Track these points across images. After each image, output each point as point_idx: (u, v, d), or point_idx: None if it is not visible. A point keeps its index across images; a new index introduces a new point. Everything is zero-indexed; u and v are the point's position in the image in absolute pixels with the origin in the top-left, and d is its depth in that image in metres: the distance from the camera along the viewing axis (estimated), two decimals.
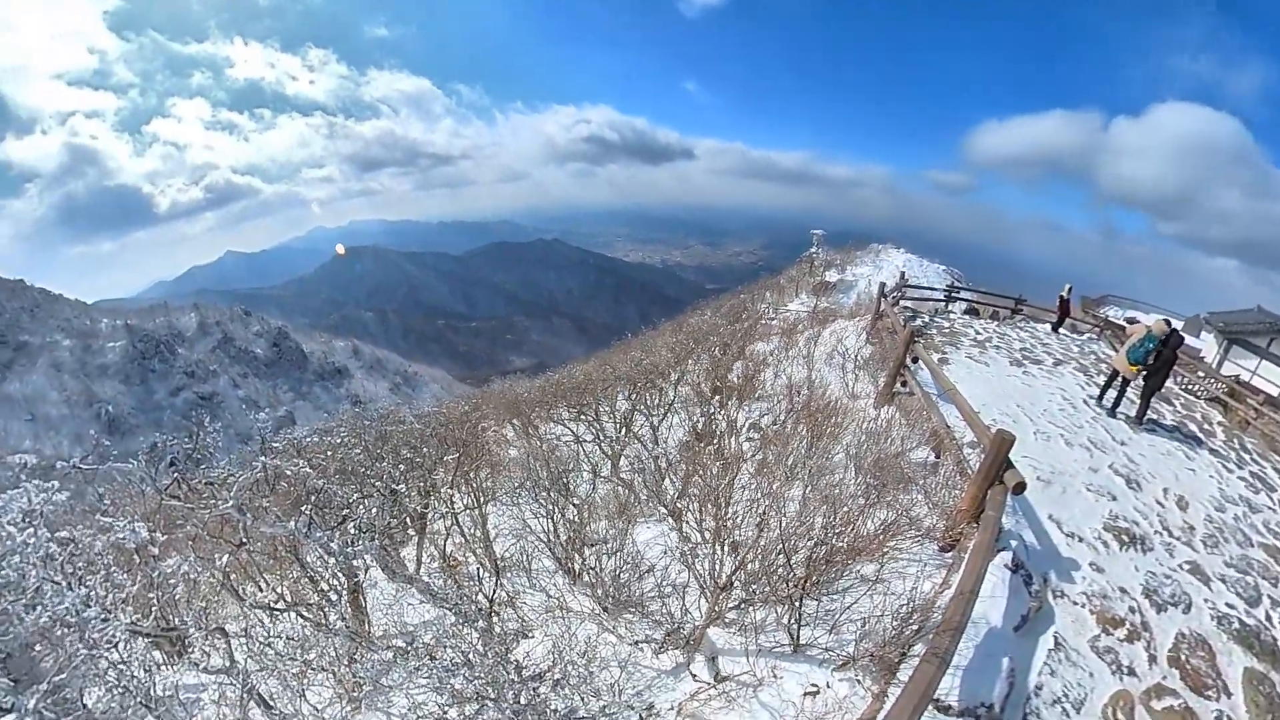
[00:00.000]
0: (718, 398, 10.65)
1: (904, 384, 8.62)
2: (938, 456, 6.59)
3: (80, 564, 4.21)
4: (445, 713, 3.72)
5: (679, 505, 6.86)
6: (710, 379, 11.49)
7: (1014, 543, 4.70)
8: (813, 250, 29.13)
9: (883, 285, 15.20)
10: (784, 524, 4.57)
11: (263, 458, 5.26)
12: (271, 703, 4.06)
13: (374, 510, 6.24)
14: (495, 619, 5.63)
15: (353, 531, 5.74)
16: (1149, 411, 9.06)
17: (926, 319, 15.53)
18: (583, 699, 4.00)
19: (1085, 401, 9.58)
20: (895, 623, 3.79)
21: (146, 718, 3.62)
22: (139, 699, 3.65)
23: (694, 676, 4.36)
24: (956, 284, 22.25)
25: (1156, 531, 5.99)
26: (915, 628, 3.74)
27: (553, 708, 3.62)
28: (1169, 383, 11.13)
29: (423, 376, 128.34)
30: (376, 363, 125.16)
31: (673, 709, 4.17)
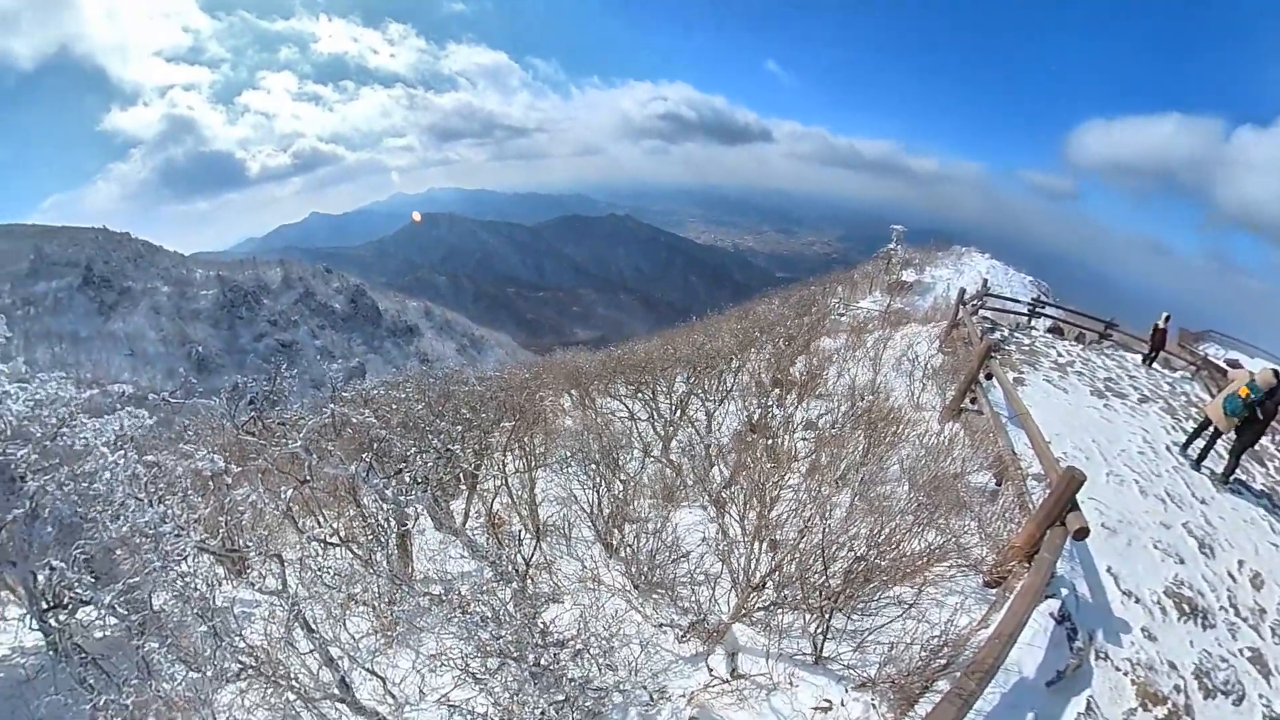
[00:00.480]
0: (777, 391, 10.44)
1: (973, 401, 8.19)
2: (999, 484, 6.23)
3: (161, 485, 4.71)
4: (468, 663, 3.89)
5: (724, 495, 6.82)
6: (771, 371, 11.26)
7: (1064, 591, 4.40)
8: (891, 247, 27.72)
9: (962, 291, 14.42)
10: (827, 531, 4.47)
11: (332, 405, 5.65)
12: (314, 627, 4.37)
13: (429, 464, 6.53)
14: (529, 581, 5.81)
15: (407, 481, 6.06)
16: (1238, 470, 8.12)
17: (1006, 333, 14.63)
18: (600, 671, 4.09)
19: (1168, 448, 8.68)
20: (924, 653, 3.61)
21: (203, 624, 3.99)
22: (199, 608, 4.04)
23: (710, 670, 4.37)
24: (1043, 298, 20.79)
25: (1222, 607, 5.37)
26: (944, 662, 3.57)
27: (569, 675, 3.72)
28: (1265, 440, 9.84)
29: (489, 340, 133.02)
30: (446, 324, 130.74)
31: (684, 696, 4.20)
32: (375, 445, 5.92)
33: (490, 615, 3.86)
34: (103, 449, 4.32)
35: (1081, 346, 15.19)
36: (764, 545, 4.95)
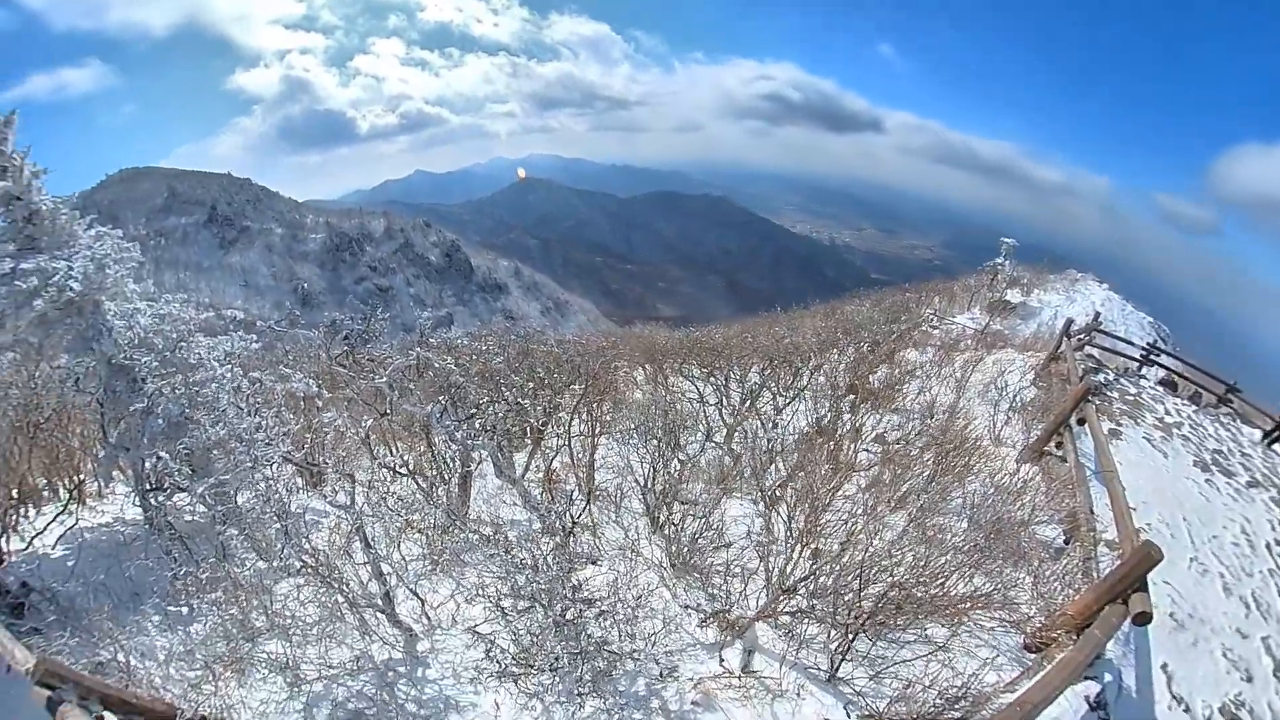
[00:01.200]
0: (851, 397, 10.17)
1: (1059, 446, 7.59)
2: (1066, 543, 5.80)
3: (259, 400, 5.38)
4: (500, 601, 4.17)
5: (777, 493, 6.78)
6: (849, 375, 10.97)
7: (1108, 677, 4.01)
8: (998, 261, 25.57)
9: (1069, 322, 13.22)
10: (871, 551, 4.38)
11: (418, 348, 6.08)
12: (371, 544, 4.78)
13: (500, 415, 6.88)
14: (573, 538, 6.05)
15: (477, 428, 6.44)
16: None
17: (1110, 376, 13.24)
18: (619, 636, 4.25)
19: (1269, 546, 7.48)
20: (940, 700, 3.48)
21: (277, 523, 4.52)
22: (276, 509, 4.59)
23: (722, 661, 4.44)
24: (1160, 344, 18.70)
25: None
26: (958, 715, 3.43)
27: (589, 632, 3.91)
28: None
29: (573, 306, 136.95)
30: (533, 285, 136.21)
31: (692, 679, 4.29)
32: (452, 390, 6.32)
33: (530, 562, 4.10)
34: (213, 363, 5.01)
35: (1195, 408, 13.44)
36: (805, 551, 4.93)
